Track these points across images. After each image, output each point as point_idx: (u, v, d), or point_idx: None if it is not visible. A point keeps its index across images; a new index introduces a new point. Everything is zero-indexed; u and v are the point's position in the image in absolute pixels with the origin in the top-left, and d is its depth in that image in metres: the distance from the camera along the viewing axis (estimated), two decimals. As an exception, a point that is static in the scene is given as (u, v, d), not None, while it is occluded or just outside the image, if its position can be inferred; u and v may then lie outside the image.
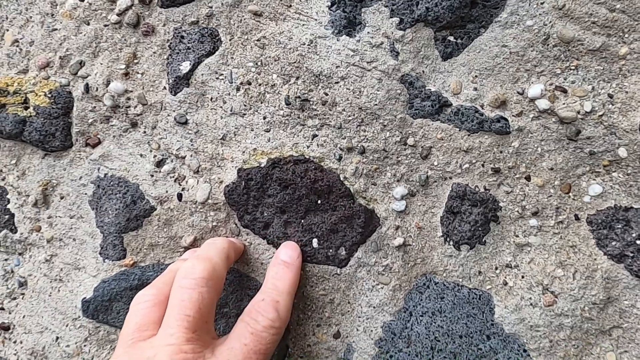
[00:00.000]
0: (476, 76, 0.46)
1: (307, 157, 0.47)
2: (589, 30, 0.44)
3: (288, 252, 0.45)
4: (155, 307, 0.38)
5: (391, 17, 0.46)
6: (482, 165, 0.46)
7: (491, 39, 0.46)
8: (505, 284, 0.46)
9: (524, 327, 0.45)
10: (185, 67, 0.49)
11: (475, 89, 0.46)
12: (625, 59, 0.44)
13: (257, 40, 0.48)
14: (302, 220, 0.46)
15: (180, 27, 0.50)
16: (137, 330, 0.37)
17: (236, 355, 0.36)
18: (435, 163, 0.46)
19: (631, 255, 0.43)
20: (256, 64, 0.48)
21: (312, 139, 0.48)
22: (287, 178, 0.46)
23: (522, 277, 0.46)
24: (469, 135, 0.46)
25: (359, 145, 0.47)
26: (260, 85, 0.48)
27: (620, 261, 0.44)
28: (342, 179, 0.46)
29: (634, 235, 0.43)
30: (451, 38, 0.47)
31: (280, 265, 0.44)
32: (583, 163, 0.45)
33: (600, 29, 0.44)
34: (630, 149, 0.44)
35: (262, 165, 0.47)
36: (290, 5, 0.48)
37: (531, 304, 0.45)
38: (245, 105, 0.48)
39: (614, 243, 0.44)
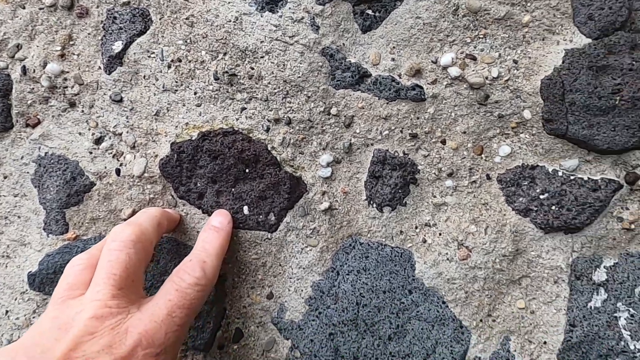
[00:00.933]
0: (394, 47, 0.46)
1: (237, 129, 0.46)
2: (494, 0, 0.44)
3: (219, 219, 0.43)
4: (87, 270, 0.37)
5: (311, -7, 0.46)
6: (401, 132, 0.46)
7: (406, 11, 0.45)
8: (425, 241, 0.46)
9: (441, 280, 0.45)
10: (118, 46, 0.48)
11: (393, 59, 0.46)
12: (528, 27, 0.44)
13: (186, 18, 0.47)
14: (233, 189, 0.45)
15: (113, 8, 0.48)
16: (67, 289, 0.36)
17: (160, 310, 0.35)
18: (358, 131, 0.46)
19: (535, 209, 0.44)
20: (185, 41, 0.47)
21: (241, 112, 0.47)
22: (216, 149, 0.45)
23: (440, 234, 0.46)
24: (387, 103, 0.46)
25: (285, 116, 0.46)
26: (190, 62, 0.47)
27: (527, 215, 0.44)
28: (269, 148, 0.45)
29: (538, 190, 0.44)
30: (369, 11, 0.46)
31: (210, 230, 0.42)
32: (493, 126, 0.45)
33: (504, -2, 0.44)
34: (533, 111, 0.44)
35: (193, 138, 0.46)
36: (220, -16, 0.47)
37: (448, 259, 0.45)
38: (176, 82, 0.47)
39: (520, 199, 0.44)
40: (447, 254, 0.45)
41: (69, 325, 0.33)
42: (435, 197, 0.45)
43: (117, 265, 0.36)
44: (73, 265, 0.38)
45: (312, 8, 0.45)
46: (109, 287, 0.35)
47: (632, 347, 0.42)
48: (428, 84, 0.45)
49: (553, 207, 0.42)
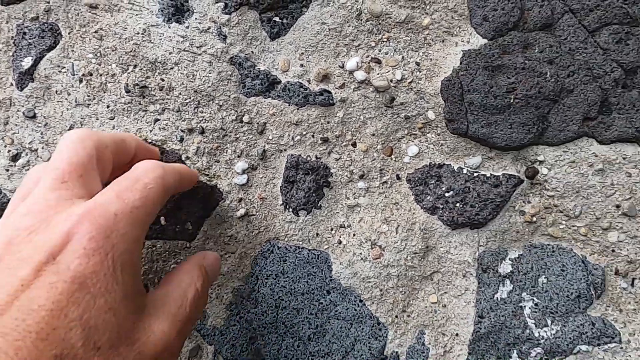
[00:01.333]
0: (302, 53, 0.45)
1: (150, 140, 0.46)
2: (395, 3, 0.44)
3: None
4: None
5: (217, 3, 0.45)
6: (312, 136, 0.46)
7: (312, 17, 0.45)
8: (340, 242, 0.46)
9: (357, 279, 0.45)
10: (28, 62, 0.47)
11: (302, 65, 0.45)
12: (428, 29, 0.44)
13: (95, 32, 0.46)
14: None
15: (22, 24, 0.47)
16: (23, 192, 0.31)
17: (107, 192, 0.29)
18: (271, 137, 0.46)
19: (441, 207, 0.44)
20: (96, 55, 0.46)
21: (155, 123, 0.46)
22: (129, 162, 0.45)
23: (354, 235, 0.46)
24: (297, 109, 0.45)
25: (199, 126, 0.45)
26: (101, 75, 0.46)
27: (434, 213, 0.45)
28: (184, 158, 0.45)
29: (443, 188, 0.44)
30: (277, 19, 0.46)
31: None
32: (401, 127, 0.45)
33: (404, 2, 0.43)
34: (436, 112, 0.44)
35: (107, 151, 0.45)
36: (123, -3, 0.46)
37: (362, 259, 0.45)
38: (88, 96, 0.46)
39: (428, 197, 0.44)
40: (361, 253, 0.45)
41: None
42: (348, 199, 0.45)
43: (63, 156, 0.30)
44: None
45: (219, 18, 0.44)
46: (50, 180, 0.29)
47: (536, 335, 0.42)
48: (336, 88, 0.44)
49: (457, 204, 0.43)
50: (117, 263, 0.26)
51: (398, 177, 0.44)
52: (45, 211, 0.27)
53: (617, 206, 0.41)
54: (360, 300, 0.44)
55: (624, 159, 0.41)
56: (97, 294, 0.25)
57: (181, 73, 0.44)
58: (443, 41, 0.43)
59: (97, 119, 0.45)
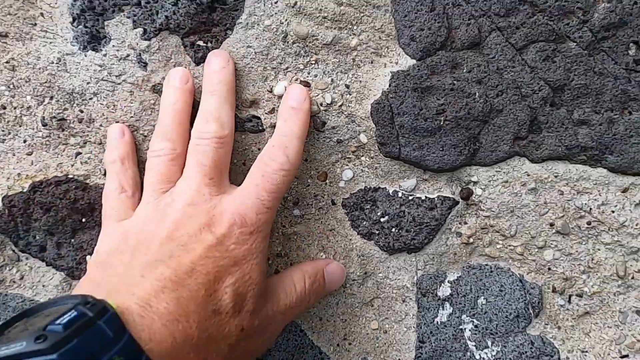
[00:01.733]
0: (229, 78, 0.43)
1: (72, 176, 0.43)
2: (321, 25, 0.42)
3: (295, 97, 0.39)
4: (174, 161, 0.38)
5: (135, 28, 0.42)
6: (244, 164, 0.43)
7: (237, 40, 0.42)
8: (277, 272, 0.44)
9: (296, 310, 0.44)
10: None
11: (229, 91, 0.43)
12: (357, 50, 0.42)
13: (7, 62, 0.43)
14: (72, 240, 0.42)
15: None
16: (161, 181, 0.37)
17: (250, 193, 0.36)
18: (200, 167, 0.44)
19: (377, 232, 0.43)
20: (9, 87, 0.43)
21: (76, 157, 0.43)
22: (47, 201, 0.41)
23: (291, 264, 0.44)
24: (226, 136, 0.43)
25: (123, 158, 0.43)
26: (15, 108, 0.43)
27: (370, 239, 0.43)
28: (109, 193, 0.43)
29: (379, 213, 0.43)
30: (201, 43, 0.43)
31: (288, 111, 0.39)
32: (334, 151, 0.43)
33: (331, 23, 0.42)
34: (368, 135, 0.42)
35: (25, 190, 0.43)
36: (35, 24, 0.42)
37: (300, 288, 0.44)
38: (3, 131, 0.43)
39: (364, 223, 0.43)
40: (299, 283, 0.43)
41: (168, 212, 0.35)
42: (284, 227, 0.44)
43: (205, 156, 0.36)
44: (159, 155, 0.38)
45: (138, 44, 0.41)
46: (201, 176, 0.36)
47: (477, 357, 0.42)
48: (266, 113, 0.42)
49: (393, 230, 0.42)
50: (258, 250, 0.35)
51: (333, 203, 0.43)
52: (203, 204, 0.35)
53: (551, 224, 0.41)
54: (301, 330, 0.43)
55: (555, 177, 0.40)
56: (245, 271, 0.34)
57: (101, 104, 0.42)
58: (372, 62, 0.41)
59: (14, 155, 0.42)
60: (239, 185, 0.38)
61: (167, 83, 0.40)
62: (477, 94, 0.39)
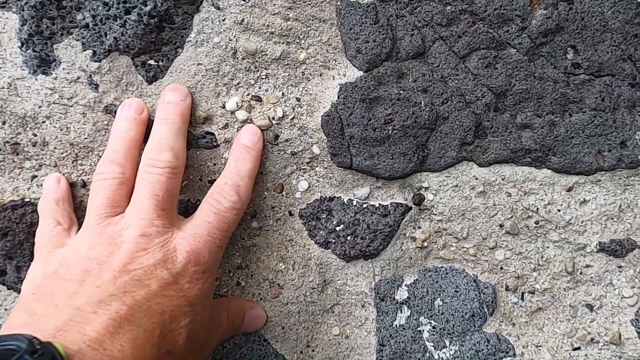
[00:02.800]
0: (182, 96, 0.43)
1: (28, 199, 0.42)
2: (269, 40, 0.41)
3: (249, 137, 0.39)
4: (122, 186, 0.36)
5: (84, 50, 0.41)
6: (200, 179, 0.43)
7: (187, 58, 0.42)
8: (239, 284, 0.44)
9: (259, 320, 0.44)
10: None
11: (183, 108, 0.43)
12: (306, 64, 0.42)
13: (-43, 89, 0.42)
14: (31, 263, 0.42)
15: None
16: (108, 206, 0.35)
17: (202, 231, 0.35)
18: (157, 184, 0.43)
19: (334, 241, 0.42)
20: (-40, 113, 0.42)
21: (32, 180, 0.43)
22: (5, 225, 0.41)
23: (252, 275, 0.44)
24: (181, 153, 0.43)
25: (79, 179, 0.42)
26: (-32, 134, 0.42)
27: (328, 247, 0.43)
28: (66, 215, 0.42)
29: (334, 222, 0.42)
30: (152, 62, 0.42)
31: (241, 149, 0.39)
32: (289, 163, 0.43)
33: (279, 38, 0.41)
34: (320, 146, 0.42)
35: (-19, 215, 0.42)
36: (-16, 49, 0.42)
37: (261, 299, 0.43)
38: (-43, 157, 0.43)
39: (320, 232, 0.43)
40: (260, 293, 0.43)
41: (118, 241, 0.33)
42: (244, 239, 0.43)
43: (159, 186, 0.35)
44: (106, 178, 0.36)
45: (88, 66, 0.41)
46: (153, 207, 0.34)
47: (436, 357, 0.42)
48: (220, 129, 0.42)
49: (349, 238, 0.42)
50: (209, 289, 0.35)
51: (290, 214, 0.43)
52: (156, 236, 0.33)
53: (501, 225, 0.41)
54: (265, 340, 0.43)
55: (502, 179, 0.41)
56: (197, 312, 0.33)
57: (54, 127, 0.41)
58: (321, 75, 0.41)
59: (-31, 181, 0.41)
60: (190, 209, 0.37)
61: (120, 112, 0.39)
62: (423, 102, 0.39)
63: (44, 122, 0.41)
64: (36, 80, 0.40)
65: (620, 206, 0.41)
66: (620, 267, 0.41)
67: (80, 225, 0.37)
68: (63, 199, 0.39)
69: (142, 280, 0.31)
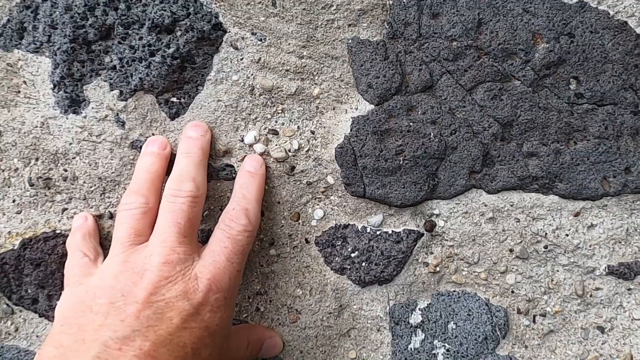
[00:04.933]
0: (203, 130, 0.44)
1: (59, 231, 0.43)
2: (285, 77, 0.42)
3: (252, 164, 0.40)
4: (146, 215, 0.36)
5: (112, 90, 0.42)
6: (220, 209, 0.43)
7: (208, 95, 0.43)
8: (258, 309, 0.44)
9: (278, 344, 0.44)
10: None
11: (204, 142, 0.44)
12: (319, 98, 0.43)
13: (-6, 128, 0.43)
14: (62, 291, 0.43)
15: None
16: (133, 234, 0.35)
17: (220, 256, 0.35)
18: (180, 215, 0.44)
19: (349, 267, 0.43)
20: (-4, 151, 0.43)
21: (63, 213, 0.44)
22: (37, 257, 0.41)
23: (270, 301, 0.44)
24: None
25: (107, 211, 0.43)
26: (3, 171, 0.43)
27: (343, 273, 0.43)
28: (95, 245, 0.43)
29: (349, 249, 0.43)
30: (174, 99, 0.43)
31: (246, 175, 0.39)
32: (305, 192, 0.44)
33: (294, 74, 0.42)
34: (335, 176, 0.43)
35: (15, 247, 0.43)
36: (19, 91, 0.43)
37: (280, 324, 0.43)
38: (-7, 192, 0.44)
39: (336, 259, 0.43)
40: (279, 318, 0.43)
41: (142, 269, 0.33)
42: (262, 266, 0.44)
43: (181, 214, 0.35)
44: (130, 208, 0.36)
45: (115, 105, 0.42)
46: (175, 235, 0.34)
47: (451, 380, 0.41)
48: (239, 161, 0.43)
49: (363, 264, 0.42)
50: (229, 318, 0.35)
51: (307, 241, 0.43)
52: (178, 264, 0.33)
53: (511, 250, 0.41)
54: (284, 364, 0.43)
55: (511, 206, 0.41)
56: (217, 343, 0.33)
57: (83, 162, 0.42)
58: (334, 109, 0.42)
59: (4, 214, 0.42)
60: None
61: (145, 148, 0.40)
62: (432, 133, 0.40)
63: (74, 158, 0.42)
64: (67, 119, 0.42)
65: (627, 230, 0.40)
66: (629, 289, 0.41)
67: (106, 256, 0.38)
68: (89, 233, 0.40)
69: (165, 313, 0.31)
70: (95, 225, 0.41)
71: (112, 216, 0.42)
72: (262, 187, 0.40)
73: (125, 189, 0.42)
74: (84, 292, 0.33)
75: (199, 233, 0.41)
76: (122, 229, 0.36)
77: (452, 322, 0.42)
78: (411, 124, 0.40)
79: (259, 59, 0.41)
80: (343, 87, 0.41)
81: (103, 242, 0.42)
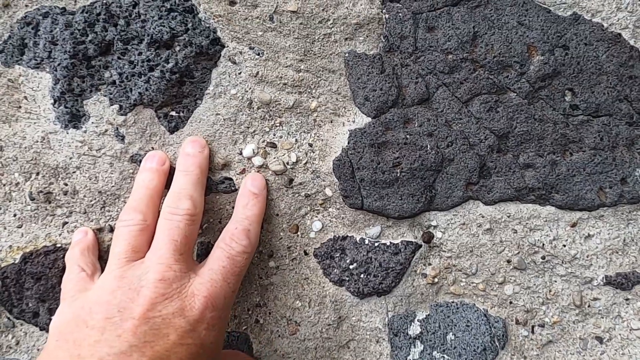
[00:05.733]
0: (202, 144, 0.44)
1: (60, 245, 0.43)
2: (283, 90, 0.42)
3: (255, 183, 0.40)
4: (143, 232, 0.36)
5: (111, 105, 0.42)
6: (219, 222, 0.44)
7: (206, 109, 0.43)
8: (257, 322, 0.44)
9: (277, 356, 0.43)
10: None
11: (203, 155, 0.43)
12: (317, 111, 0.43)
13: (-5, 143, 0.43)
14: (61, 306, 0.42)
15: None
16: (129, 250, 0.35)
17: (217, 275, 0.35)
18: (180, 227, 0.44)
19: (347, 279, 0.42)
20: (-2, 166, 0.43)
21: (63, 227, 0.43)
22: (38, 271, 0.41)
23: (270, 313, 0.44)
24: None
25: (107, 224, 0.43)
26: (4, 185, 0.43)
27: (342, 285, 0.43)
28: (95, 259, 0.43)
29: (347, 261, 0.42)
30: (173, 113, 0.43)
31: (249, 196, 0.39)
32: (303, 205, 0.43)
33: (291, 88, 0.42)
34: (333, 189, 0.43)
35: (16, 261, 0.43)
36: (20, 107, 0.43)
37: (280, 336, 0.43)
38: (-6, 207, 0.44)
39: (335, 270, 0.43)
40: (278, 331, 0.43)
41: (138, 286, 0.32)
42: (261, 278, 0.43)
43: (178, 232, 0.35)
44: (128, 225, 0.36)
45: (115, 119, 0.42)
46: (171, 252, 0.34)
47: (450, 391, 0.41)
48: (237, 174, 0.42)
49: (362, 276, 0.41)
50: (222, 336, 0.35)
51: (306, 253, 0.43)
52: (175, 281, 0.33)
53: (508, 261, 0.41)
54: (283, 376, 0.42)
55: (508, 217, 0.41)
56: (210, 357, 0.33)
57: (84, 176, 0.42)
58: (331, 122, 0.42)
59: (5, 228, 0.42)
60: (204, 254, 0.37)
61: (144, 163, 0.40)
62: (429, 146, 0.40)
63: (74, 172, 0.42)
64: (67, 133, 0.42)
65: (624, 240, 0.40)
66: (627, 299, 0.41)
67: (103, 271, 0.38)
68: (88, 248, 0.39)
69: (161, 330, 0.31)
70: (95, 240, 0.41)
71: (112, 229, 0.42)
72: (264, 208, 0.40)
73: (125, 203, 0.42)
74: (79, 307, 0.33)
75: (197, 246, 0.41)
76: (119, 245, 0.36)
77: (451, 333, 0.41)
78: (408, 136, 0.40)
79: (257, 72, 0.41)
80: (340, 100, 0.41)
81: (103, 255, 0.42)
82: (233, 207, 0.42)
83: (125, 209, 0.38)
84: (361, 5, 0.40)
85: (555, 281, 0.41)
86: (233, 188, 0.42)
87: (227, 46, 0.41)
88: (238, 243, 0.37)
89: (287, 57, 0.41)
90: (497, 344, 0.41)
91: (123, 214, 0.37)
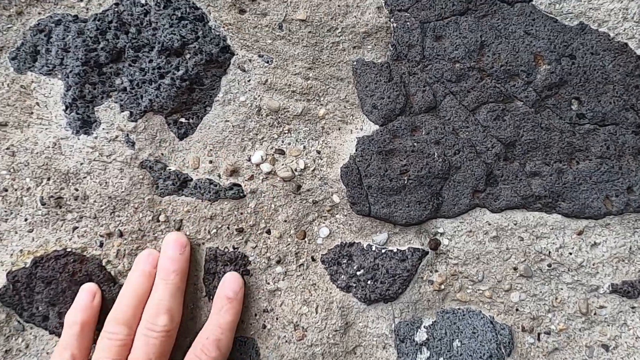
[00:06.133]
0: (211, 150, 0.44)
1: (70, 249, 0.43)
2: (291, 98, 0.43)
3: (231, 286, 0.41)
4: (124, 347, 0.38)
5: (122, 112, 0.43)
6: (228, 228, 0.44)
7: (215, 116, 0.43)
8: (264, 327, 0.44)
9: (284, 362, 0.43)
10: (-58, 184, 0.44)
11: (211, 161, 0.43)
12: (325, 119, 0.43)
13: (7, 149, 0.43)
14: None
15: (-64, 146, 0.44)
16: None
17: None
18: (188, 233, 0.43)
19: (354, 285, 0.42)
20: (9, 171, 0.44)
21: (73, 232, 0.44)
22: (48, 275, 0.41)
23: (277, 319, 0.44)
24: (210, 204, 0.43)
25: (117, 229, 0.43)
26: (16, 190, 0.44)
27: (349, 291, 0.43)
28: (104, 263, 0.42)
29: (355, 267, 0.43)
30: (183, 119, 0.44)
31: (223, 301, 0.40)
32: (311, 211, 0.44)
33: (300, 96, 0.43)
34: (340, 195, 0.43)
35: (27, 265, 0.43)
36: (32, 113, 0.43)
37: (286, 341, 0.43)
38: (6, 211, 0.44)
39: (342, 277, 0.43)
40: (285, 336, 0.43)
41: None
42: (269, 284, 0.44)
43: (154, 349, 0.37)
44: (111, 339, 0.38)
45: (125, 125, 0.42)
46: None
47: (456, 398, 0.41)
48: (245, 180, 0.43)
49: (369, 282, 0.41)
50: None
51: (313, 259, 0.43)
52: None
53: (515, 268, 0.41)
54: (290, 381, 0.42)
55: (515, 224, 0.41)
56: None
57: (94, 182, 0.42)
58: (339, 129, 0.42)
59: (16, 233, 0.43)
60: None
61: (138, 264, 0.41)
62: (436, 153, 0.40)
63: (85, 177, 0.42)
64: (78, 139, 0.42)
65: (630, 248, 0.40)
66: (633, 307, 0.41)
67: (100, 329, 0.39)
68: (88, 323, 0.40)
69: None
70: (99, 306, 0.41)
71: (121, 234, 0.42)
72: (239, 312, 0.41)
73: (135, 208, 0.42)
74: None
75: (206, 251, 0.42)
76: (101, 356, 0.37)
77: (457, 340, 0.41)
78: (415, 144, 0.40)
79: (266, 80, 0.41)
80: (348, 107, 0.42)
81: (103, 268, 0.42)
82: (241, 213, 0.43)
83: (113, 321, 0.38)
84: (369, 14, 0.40)
85: (562, 289, 0.41)
86: (242, 194, 0.42)
87: (237, 54, 0.41)
88: (207, 355, 0.38)
89: (295, 65, 0.41)
90: (504, 351, 0.41)
91: (110, 325, 0.38)
